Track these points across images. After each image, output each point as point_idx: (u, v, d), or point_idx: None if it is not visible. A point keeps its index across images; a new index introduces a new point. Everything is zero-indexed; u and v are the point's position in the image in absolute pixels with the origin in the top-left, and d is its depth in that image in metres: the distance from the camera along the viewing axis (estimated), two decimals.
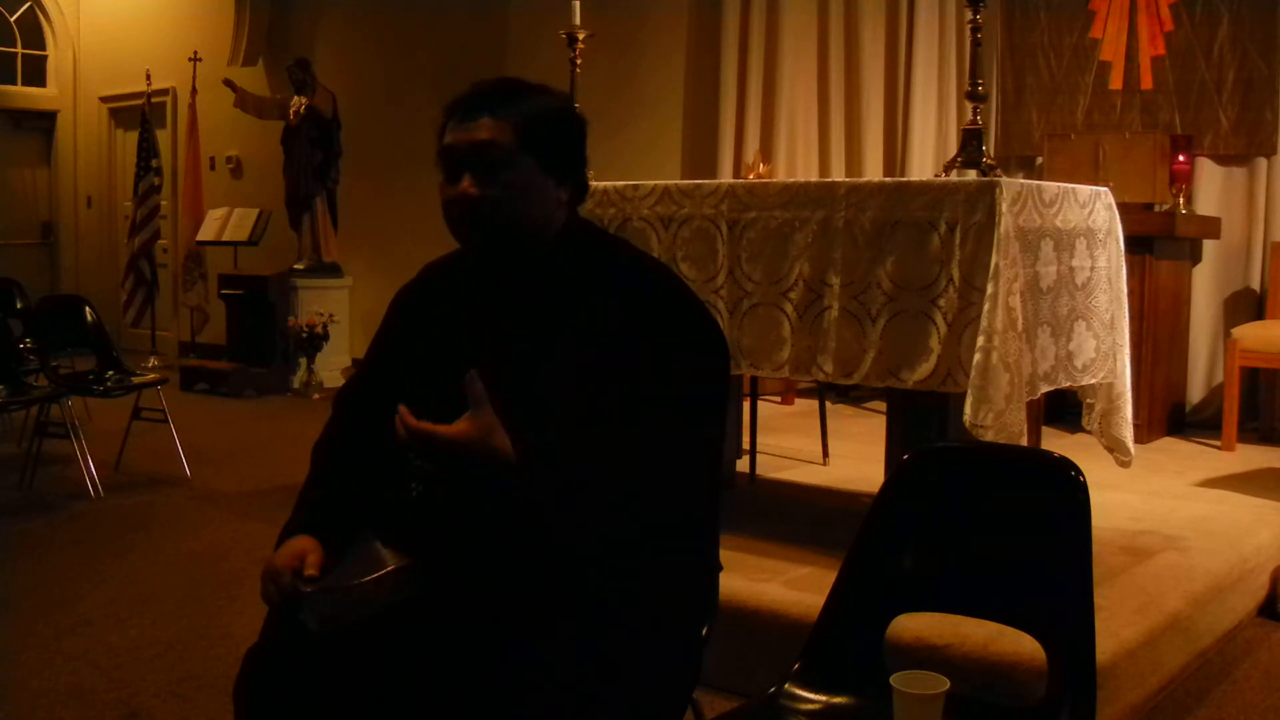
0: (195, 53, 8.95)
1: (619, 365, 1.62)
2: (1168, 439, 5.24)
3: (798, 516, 3.86)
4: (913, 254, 2.94)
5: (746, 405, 4.40)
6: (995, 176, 2.95)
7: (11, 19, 10.55)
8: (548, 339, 1.68)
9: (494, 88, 1.70)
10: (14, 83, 10.63)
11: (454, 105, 1.70)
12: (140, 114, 8.97)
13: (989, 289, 2.77)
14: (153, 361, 8.67)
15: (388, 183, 8.03)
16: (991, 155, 3.24)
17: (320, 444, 1.85)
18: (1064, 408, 5.36)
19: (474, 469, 1.55)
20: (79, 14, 10.73)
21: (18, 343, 5.86)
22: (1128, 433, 3.38)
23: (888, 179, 3.25)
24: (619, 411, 1.60)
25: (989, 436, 2.73)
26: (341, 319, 7.98)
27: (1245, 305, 5.53)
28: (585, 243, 1.76)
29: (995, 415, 2.75)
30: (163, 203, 9.06)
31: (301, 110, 7.95)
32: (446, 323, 1.77)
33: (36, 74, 10.78)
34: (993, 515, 1.78)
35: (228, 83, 8.31)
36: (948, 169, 3.23)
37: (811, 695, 1.77)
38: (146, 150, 8.82)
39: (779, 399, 6.22)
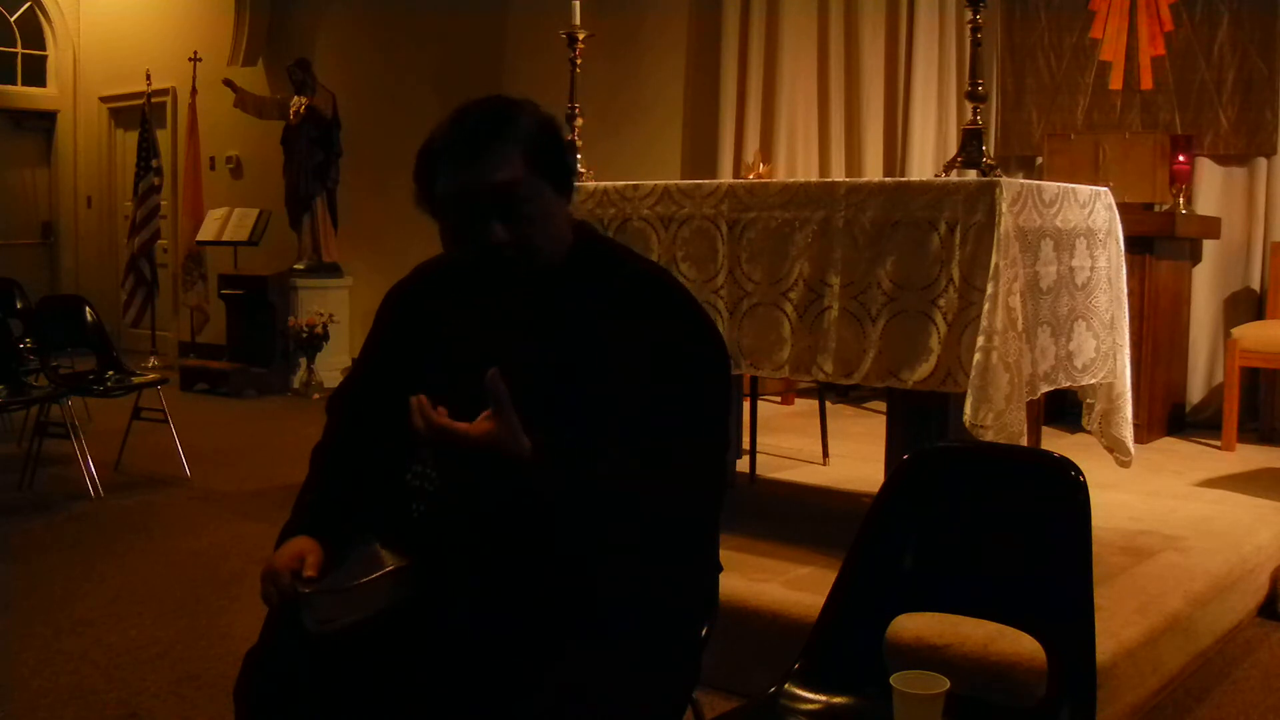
0: (195, 53, 8.95)
1: (625, 372, 1.61)
2: (1168, 439, 5.23)
3: (798, 516, 3.86)
4: (913, 254, 2.94)
5: (746, 405, 4.40)
6: (995, 176, 2.95)
7: (11, 19, 10.54)
8: (555, 345, 1.67)
9: (486, 118, 1.63)
10: (14, 83, 10.63)
11: (445, 145, 1.62)
12: (140, 114, 8.97)
13: (989, 289, 2.77)
14: (153, 361, 8.67)
15: (388, 183, 8.01)
16: (991, 155, 3.24)
17: (320, 446, 1.85)
18: (1064, 408, 5.36)
19: (493, 468, 1.51)
20: (79, 14, 10.73)
21: (18, 343, 5.86)
22: (1128, 433, 3.38)
23: (888, 179, 3.25)
24: (626, 419, 1.59)
25: (989, 436, 2.73)
26: (341, 319, 7.98)
27: (1245, 305, 5.53)
28: (589, 251, 1.74)
29: (995, 415, 2.75)
30: (163, 203, 9.06)
31: (301, 110, 7.95)
32: (445, 323, 1.76)
33: (36, 74, 10.78)
34: (993, 515, 1.78)
35: (228, 83, 8.31)
36: (948, 169, 3.23)
37: (811, 695, 1.77)
38: (146, 150, 8.82)
39: (779, 399, 6.22)
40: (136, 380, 5.44)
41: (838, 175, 6.43)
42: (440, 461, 1.66)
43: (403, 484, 1.71)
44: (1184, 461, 4.74)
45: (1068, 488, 1.69)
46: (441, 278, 1.81)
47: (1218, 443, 5.00)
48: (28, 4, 10.61)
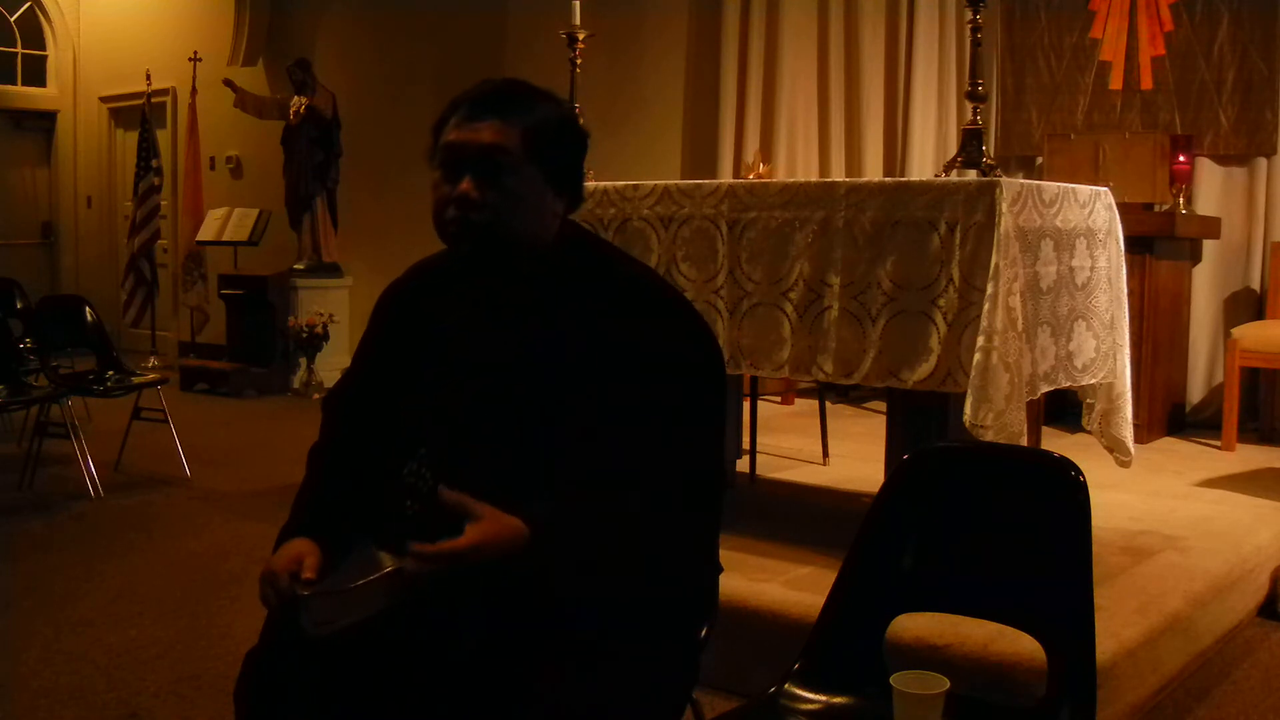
0: (195, 53, 8.94)
1: (621, 374, 1.61)
2: (1168, 439, 5.23)
3: (798, 516, 3.86)
4: (913, 254, 2.94)
5: (746, 405, 4.39)
6: (995, 176, 2.95)
7: (11, 19, 10.54)
8: (544, 354, 1.66)
9: (503, 90, 1.66)
10: (14, 83, 10.63)
11: (459, 101, 1.66)
12: (140, 114, 8.97)
13: (989, 289, 2.77)
14: (153, 361, 8.67)
15: (388, 183, 8.03)
16: (991, 155, 3.24)
17: (316, 447, 1.85)
18: (1064, 408, 5.36)
19: (495, 566, 1.53)
20: (79, 14, 10.72)
21: (18, 343, 5.86)
22: (1128, 433, 3.38)
23: (888, 179, 3.25)
24: (618, 431, 1.59)
25: (989, 436, 2.73)
26: (341, 319, 7.98)
27: (1245, 305, 5.53)
28: (579, 255, 1.73)
29: (995, 415, 2.75)
30: (163, 203, 9.05)
31: (301, 110, 7.95)
32: (439, 322, 1.76)
33: (36, 74, 10.78)
34: (993, 515, 1.78)
35: (228, 83, 8.31)
36: (948, 169, 3.23)
37: (811, 695, 1.77)
38: (146, 150, 8.82)
39: (779, 399, 6.22)
40: (136, 380, 5.44)
41: (838, 175, 6.43)
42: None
43: (398, 482, 1.71)
44: (1184, 461, 4.74)
45: (1068, 488, 1.69)
46: (437, 276, 1.81)
47: (1218, 443, 5.00)
48: (28, 4, 10.60)
